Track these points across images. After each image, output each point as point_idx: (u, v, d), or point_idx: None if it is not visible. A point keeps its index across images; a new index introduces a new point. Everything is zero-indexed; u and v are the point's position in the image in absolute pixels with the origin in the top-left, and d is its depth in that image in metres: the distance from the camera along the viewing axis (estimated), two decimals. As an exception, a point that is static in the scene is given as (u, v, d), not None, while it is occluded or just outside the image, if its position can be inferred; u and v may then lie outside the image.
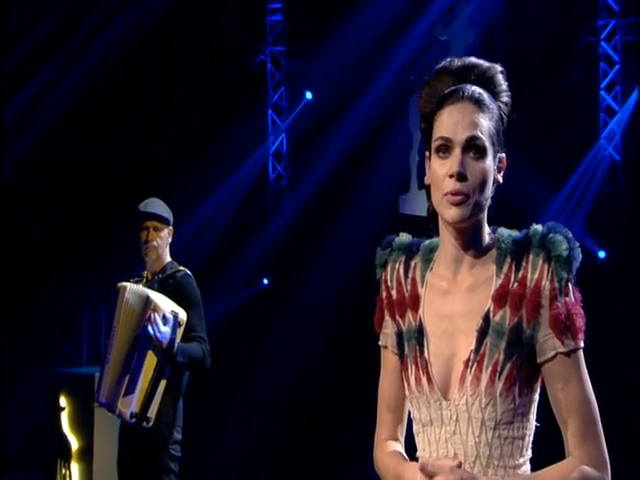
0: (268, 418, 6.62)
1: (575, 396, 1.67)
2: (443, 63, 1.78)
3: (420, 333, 1.77)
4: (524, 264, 1.70)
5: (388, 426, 1.89)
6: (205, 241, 7.48)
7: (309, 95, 7.74)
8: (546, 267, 1.68)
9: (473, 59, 1.77)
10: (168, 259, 4.24)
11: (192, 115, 7.45)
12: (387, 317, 1.87)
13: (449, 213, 1.69)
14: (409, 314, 1.81)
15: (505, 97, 1.79)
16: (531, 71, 7.01)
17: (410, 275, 1.84)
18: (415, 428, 1.80)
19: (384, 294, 1.87)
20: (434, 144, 1.72)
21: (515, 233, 1.77)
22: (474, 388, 1.68)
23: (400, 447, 1.87)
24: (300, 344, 6.81)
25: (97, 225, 6.49)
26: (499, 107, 1.77)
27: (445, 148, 1.70)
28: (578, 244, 1.70)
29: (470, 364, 1.69)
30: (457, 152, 1.69)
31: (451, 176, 1.68)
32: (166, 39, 7.44)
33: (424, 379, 1.74)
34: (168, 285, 4.12)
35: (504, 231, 1.77)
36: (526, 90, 7.08)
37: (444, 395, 1.72)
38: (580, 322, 1.68)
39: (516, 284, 1.69)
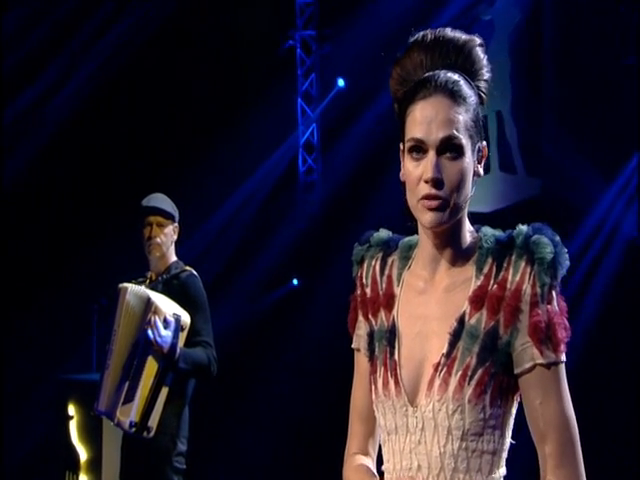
0: (281, 429, 6.58)
1: (554, 413, 1.64)
2: (415, 37, 1.73)
3: (392, 333, 1.76)
4: (505, 265, 1.68)
5: (359, 438, 1.87)
6: (230, 239, 7.50)
7: (341, 82, 7.70)
8: (528, 270, 1.65)
9: (448, 32, 1.72)
10: (173, 258, 4.24)
11: (216, 105, 7.45)
12: (360, 317, 1.85)
13: (426, 218, 1.67)
14: (382, 313, 1.80)
15: (485, 74, 1.74)
16: (583, 51, 6.84)
17: (386, 273, 1.82)
18: (381, 437, 1.79)
19: (358, 292, 1.86)
20: (407, 144, 1.70)
21: (499, 233, 1.74)
22: (441, 393, 1.66)
23: (370, 462, 1.85)
24: (327, 348, 6.74)
25: (108, 225, 6.52)
26: (478, 88, 1.73)
27: (418, 149, 1.68)
28: (566, 249, 1.67)
29: (440, 368, 1.67)
30: (431, 155, 1.66)
31: (426, 181, 1.66)
32: (188, 25, 7.44)
33: (392, 382, 1.72)
34: (172, 286, 4.12)
35: (488, 230, 1.75)
36: (577, 72, 6.94)
37: (411, 401, 1.70)
38: (562, 334, 1.65)
39: (495, 286, 1.67)
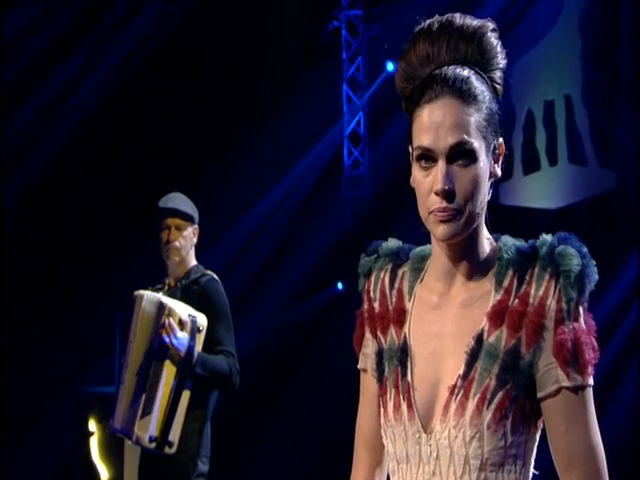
0: (311, 448, 6.60)
1: (580, 442, 1.66)
2: (420, 27, 1.73)
3: (403, 353, 1.77)
4: (528, 278, 1.69)
5: (365, 468, 1.88)
6: (268, 240, 7.54)
7: (391, 66, 7.65)
8: (553, 284, 1.67)
9: (456, 18, 1.72)
10: (193, 262, 4.29)
11: (253, 93, 7.51)
12: (367, 334, 1.86)
13: (438, 231, 1.69)
14: (392, 330, 1.81)
15: (501, 62, 1.75)
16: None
17: (396, 286, 1.84)
18: (390, 466, 1.79)
19: (365, 306, 1.87)
20: (414, 152, 1.70)
21: (521, 243, 1.75)
22: (458, 418, 1.66)
23: None
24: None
25: (131, 231, 6.60)
26: (492, 79, 1.73)
27: (427, 158, 1.68)
28: (594, 262, 1.68)
29: (456, 391, 1.68)
30: (441, 164, 1.67)
31: (437, 193, 1.67)
32: (221, 7, 7.52)
33: (404, 406, 1.73)
34: (192, 292, 4.17)
35: (508, 240, 1.76)
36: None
37: (425, 427, 1.70)
38: (590, 355, 1.65)
39: (517, 300, 1.68)
